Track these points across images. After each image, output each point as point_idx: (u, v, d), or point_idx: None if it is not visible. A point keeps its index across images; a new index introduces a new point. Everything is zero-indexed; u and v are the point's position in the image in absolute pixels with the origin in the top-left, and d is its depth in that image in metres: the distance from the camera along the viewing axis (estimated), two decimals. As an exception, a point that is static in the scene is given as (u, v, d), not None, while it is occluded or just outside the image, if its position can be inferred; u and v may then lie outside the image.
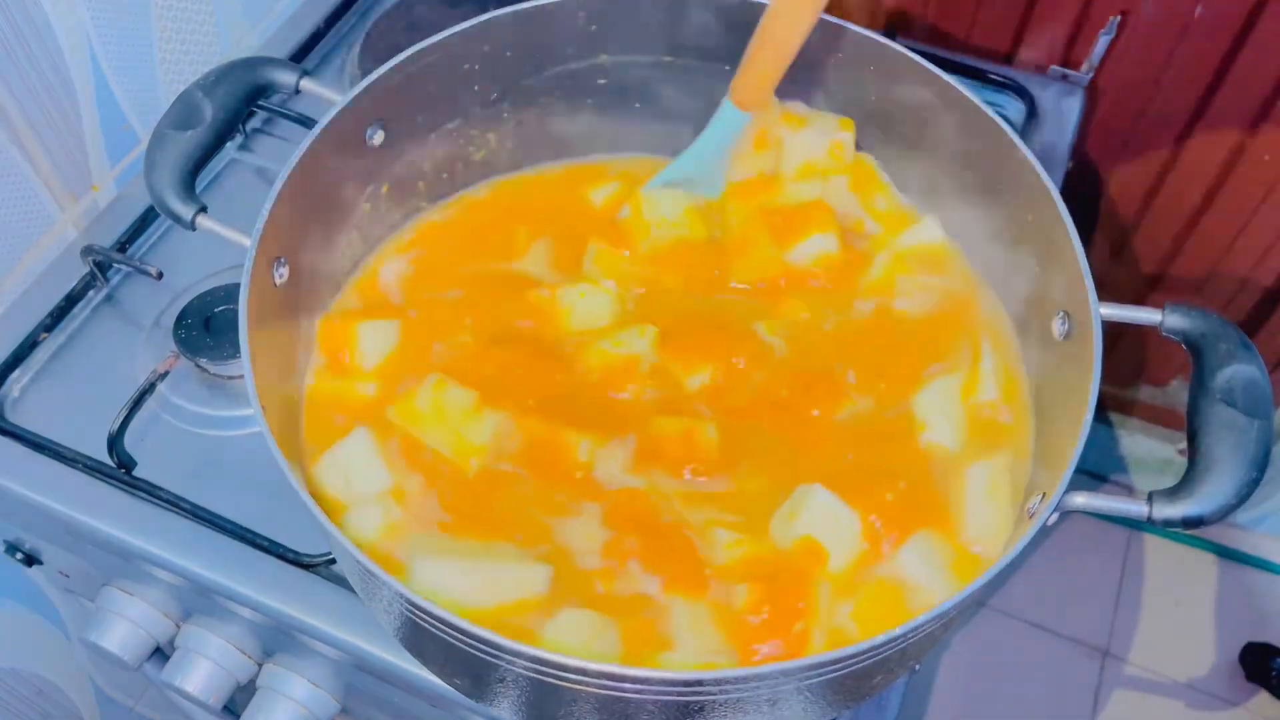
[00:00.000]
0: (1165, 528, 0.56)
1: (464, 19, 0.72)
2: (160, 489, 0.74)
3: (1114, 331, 0.60)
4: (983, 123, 0.69)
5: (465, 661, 0.57)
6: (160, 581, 0.75)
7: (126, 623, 0.78)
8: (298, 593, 0.71)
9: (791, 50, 0.69)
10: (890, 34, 1.00)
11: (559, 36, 0.76)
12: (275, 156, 0.93)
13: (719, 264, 0.77)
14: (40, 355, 0.82)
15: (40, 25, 0.79)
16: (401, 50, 0.70)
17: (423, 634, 0.57)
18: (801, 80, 0.75)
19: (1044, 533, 0.56)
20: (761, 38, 0.70)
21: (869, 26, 0.73)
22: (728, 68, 0.73)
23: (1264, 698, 1.47)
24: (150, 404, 0.79)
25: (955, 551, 0.64)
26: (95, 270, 0.84)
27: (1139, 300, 0.62)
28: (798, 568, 0.63)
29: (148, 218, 0.88)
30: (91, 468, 0.75)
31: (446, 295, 0.75)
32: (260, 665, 0.78)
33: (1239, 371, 0.59)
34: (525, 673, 0.55)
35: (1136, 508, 0.57)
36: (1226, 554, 1.59)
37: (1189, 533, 1.57)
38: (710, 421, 0.69)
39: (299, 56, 0.99)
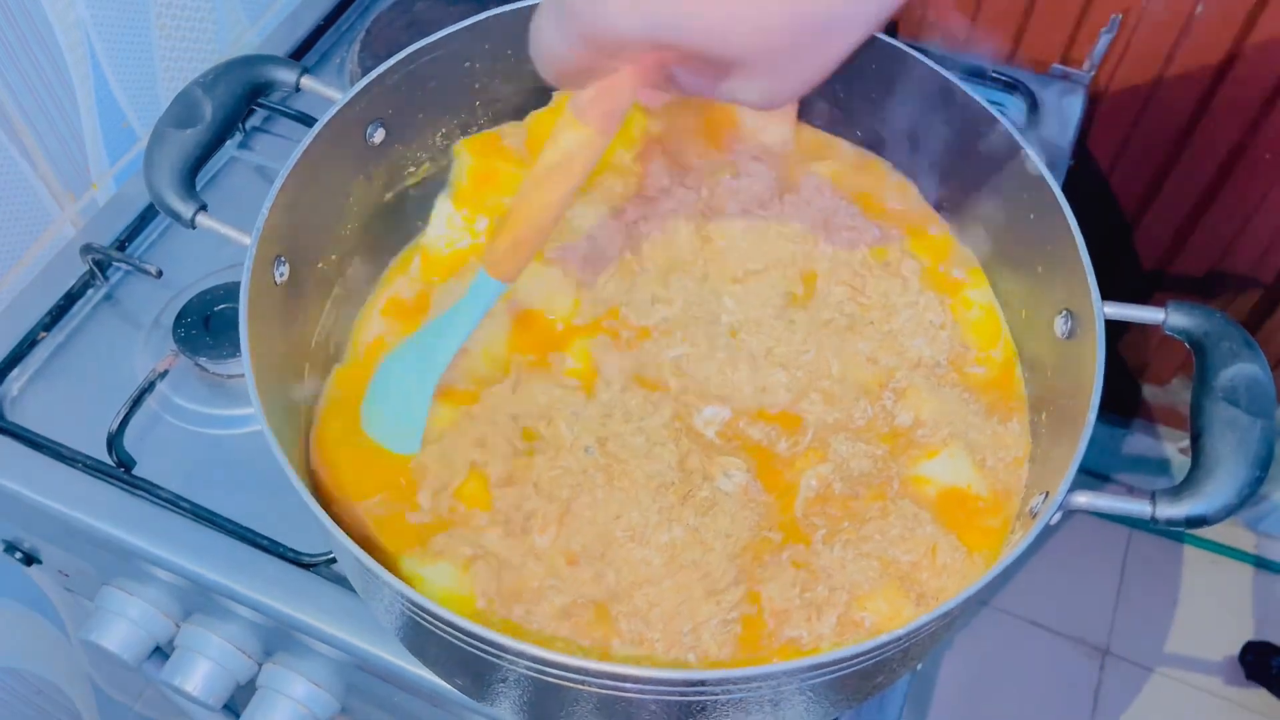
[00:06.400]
0: (1169, 527, 0.56)
1: (464, 16, 0.71)
2: (160, 488, 0.74)
3: (1114, 330, 0.60)
4: (985, 121, 0.69)
5: (465, 661, 0.57)
6: (160, 581, 0.75)
7: (126, 622, 0.77)
8: (298, 592, 0.71)
9: (550, 221, 0.57)
10: (891, 31, 1.00)
11: (560, 34, 0.75)
12: (275, 155, 0.93)
13: None
14: (39, 354, 0.81)
15: (39, 23, 0.78)
16: (402, 48, 0.70)
17: (423, 633, 0.57)
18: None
19: (1045, 532, 0.56)
20: (518, 206, 0.57)
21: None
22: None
23: (1264, 697, 1.47)
24: (150, 403, 0.78)
25: None
26: (94, 269, 0.84)
27: (1139, 299, 0.62)
28: None
29: (147, 216, 0.88)
30: (91, 467, 0.75)
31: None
32: (260, 665, 0.78)
33: (1242, 370, 0.58)
34: (526, 672, 0.54)
35: (1140, 507, 0.56)
36: (1226, 553, 1.59)
37: (1190, 532, 1.57)
38: None
39: (299, 54, 0.98)
